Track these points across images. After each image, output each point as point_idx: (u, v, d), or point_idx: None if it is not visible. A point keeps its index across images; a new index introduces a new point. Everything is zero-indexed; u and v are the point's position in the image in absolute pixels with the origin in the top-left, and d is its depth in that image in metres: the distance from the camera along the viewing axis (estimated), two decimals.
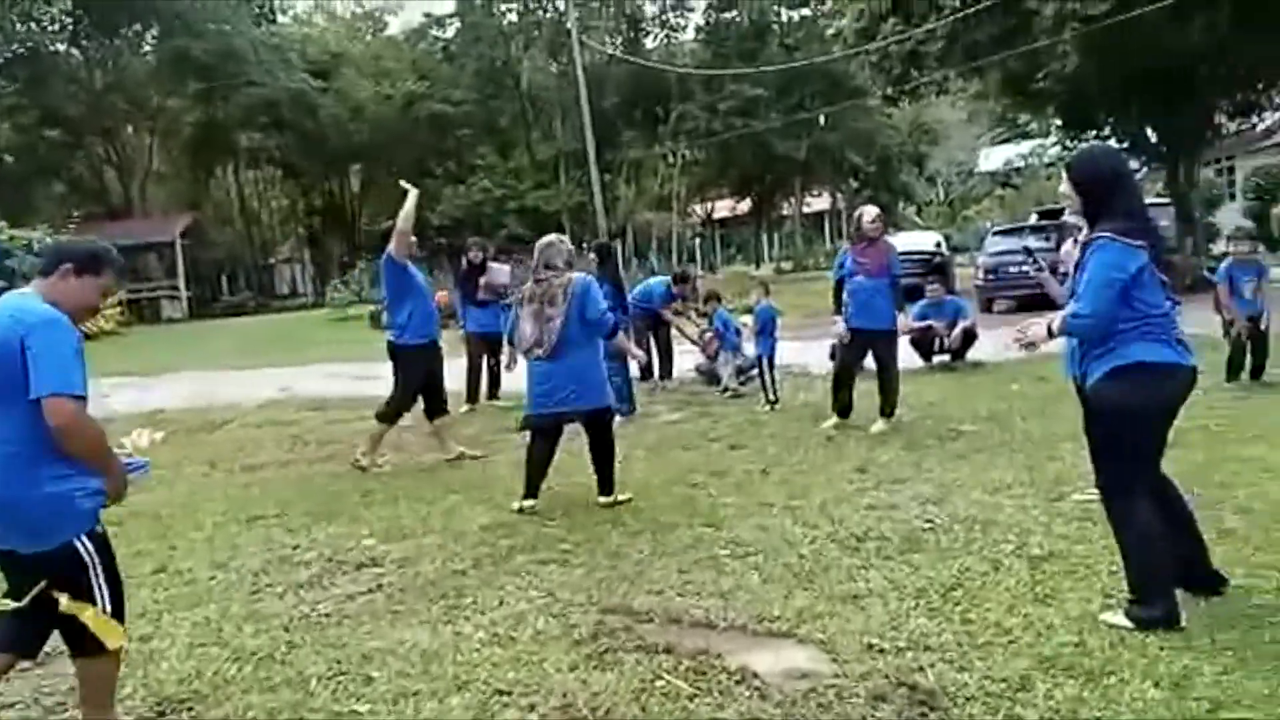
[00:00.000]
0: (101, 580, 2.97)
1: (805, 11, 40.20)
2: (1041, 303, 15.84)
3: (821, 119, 33.34)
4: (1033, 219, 21.01)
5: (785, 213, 45.98)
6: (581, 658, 3.61)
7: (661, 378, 10.94)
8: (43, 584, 2.91)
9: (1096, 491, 5.11)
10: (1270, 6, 15.97)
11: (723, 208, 46.24)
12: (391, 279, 7.39)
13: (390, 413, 7.47)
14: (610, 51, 37.55)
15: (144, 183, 38.72)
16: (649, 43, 41.91)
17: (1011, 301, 17.54)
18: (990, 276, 17.77)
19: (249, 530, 5.81)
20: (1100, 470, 3.73)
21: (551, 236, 6.18)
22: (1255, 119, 23.48)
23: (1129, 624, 3.50)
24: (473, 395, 10.10)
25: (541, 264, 5.88)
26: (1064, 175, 3.78)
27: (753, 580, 4.31)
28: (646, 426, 8.49)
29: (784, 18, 41.17)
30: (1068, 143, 27.26)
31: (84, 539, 2.94)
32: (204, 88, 36.98)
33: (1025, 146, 39.26)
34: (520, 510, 5.73)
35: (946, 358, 11.00)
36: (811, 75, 36.79)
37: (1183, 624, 3.44)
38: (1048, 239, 17.62)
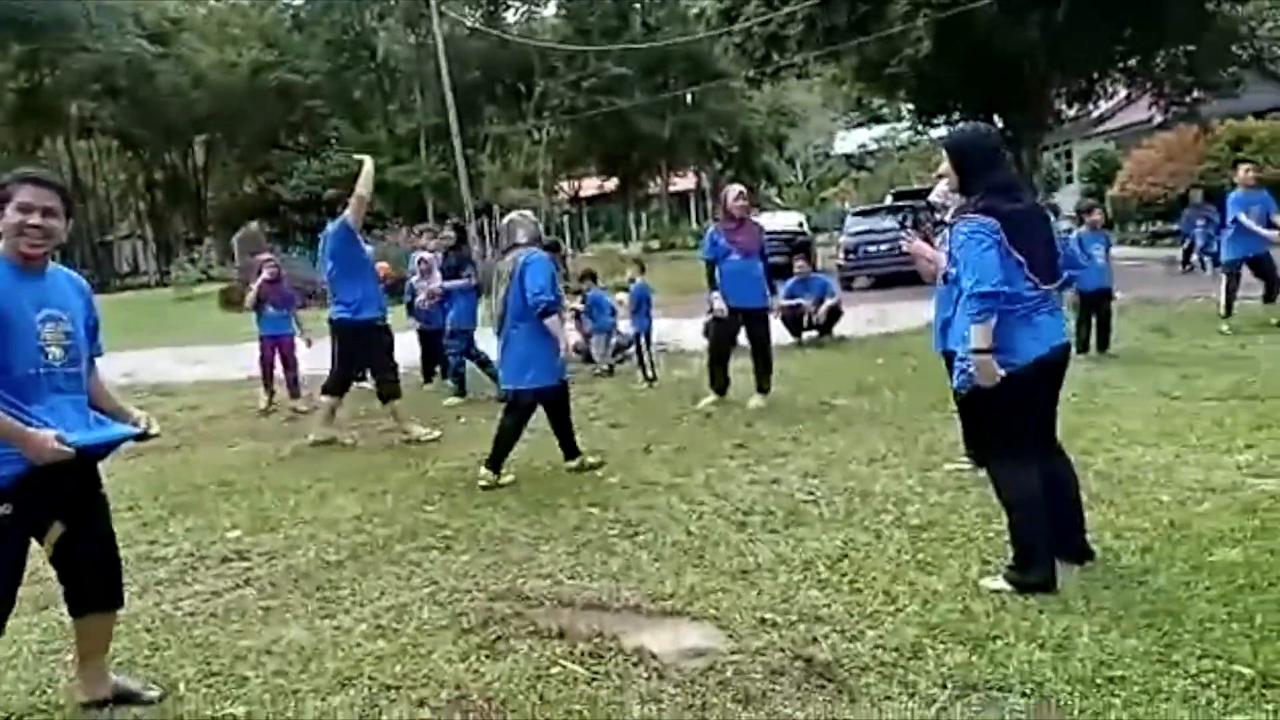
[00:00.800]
0: None
1: None
2: (900, 279, 16.52)
3: (689, 98, 33.58)
4: (889, 200, 21.76)
5: (652, 191, 46.18)
6: (472, 647, 3.48)
7: None
8: None
9: (966, 460, 5.35)
10: (1098, 5, 16.97)
11: (590, 186, 46.08)
12: (344, 250, 6.95)
13: (390, 390, 7.17)
14: (471, 24, 36.71)
15: None
16: (510, 17, 41.26)
17: (870, 279, 18.15)
18: (851, 255, 18.31)
19: None
20: (983, 439, 3.83)
21: (514, 214, 6.11)
22: (1090, 106, 24.93)
23: (1009, 588, 3.61)
24: None
25: (507, 241, 5.90)
26: (944, 153, 3.86)
27: (643, 559, 4.26)
28: None
29: None
30: (919, 127, 28.41)
31: None
32: (28, 50, 34.25)
33: (879, 131, 40.50)
34: (484, 487, 5.62)
35: (814, 334, 11.24)
36: (674, 56, 37.04)
37: (1058, 588, 3.57)
38: (904, 219, 18.32)
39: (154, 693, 3.22)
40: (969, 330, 3.55)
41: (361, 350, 7.15)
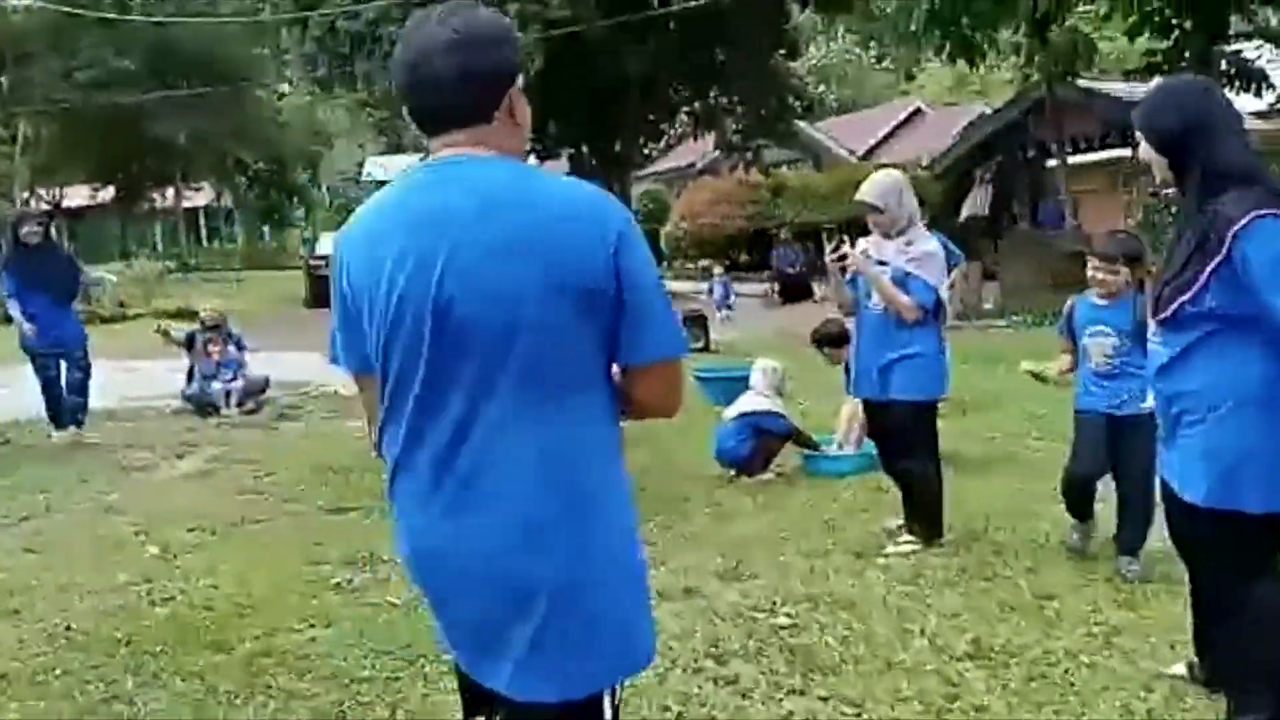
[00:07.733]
0: None
1: None
2: None
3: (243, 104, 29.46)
4: None
5: (160, 205, 39.69)
6: None
7: None
8: None
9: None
10: (675, 46, 17.45)
11: (78, 195, 38.48)
12: None
13: None
14: None
15: None
16: None
17: None
18: None
19: None
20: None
21: None
22: (656, 147, 25.88)
23: None
24: None
25: None
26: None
27: None
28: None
29: None
30: None
31: None
32: None
33: (414, 159, 39.36)
34: None
35: None
36: (188, 55, 32.25)
37: None
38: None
39: None
40: None
41: None
